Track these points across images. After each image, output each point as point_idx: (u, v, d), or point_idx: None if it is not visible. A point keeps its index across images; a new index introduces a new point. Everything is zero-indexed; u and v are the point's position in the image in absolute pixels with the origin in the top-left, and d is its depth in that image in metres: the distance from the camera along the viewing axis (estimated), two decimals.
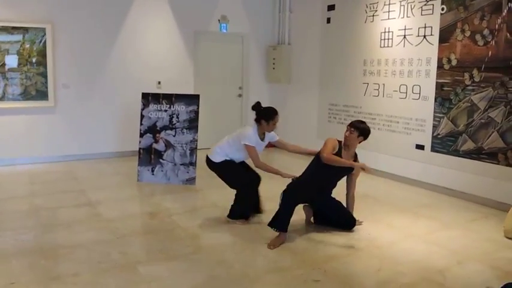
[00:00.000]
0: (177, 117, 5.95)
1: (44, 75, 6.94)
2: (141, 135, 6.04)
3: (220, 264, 3.54)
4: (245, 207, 4.49)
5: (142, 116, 6.06)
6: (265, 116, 4.36)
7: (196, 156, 5.86)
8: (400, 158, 6.17)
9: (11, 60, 6.71)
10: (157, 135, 5.98)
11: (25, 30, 6.72)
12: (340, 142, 4.18)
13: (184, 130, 5.93)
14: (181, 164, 5.88)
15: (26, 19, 6.73)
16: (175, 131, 5.94)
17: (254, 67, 8.69)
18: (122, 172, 6.56)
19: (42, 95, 6.97)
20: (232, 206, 4.49)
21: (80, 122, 7.31)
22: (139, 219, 4.75)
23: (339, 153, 4.13)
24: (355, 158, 4.28)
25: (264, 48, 8.68)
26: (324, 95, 7.48)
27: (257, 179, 4.52)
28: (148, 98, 6.10)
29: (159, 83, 7.76)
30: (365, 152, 6.53)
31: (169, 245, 3.91)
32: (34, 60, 6.85)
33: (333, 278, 3.34)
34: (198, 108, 5.96)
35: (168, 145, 5.94)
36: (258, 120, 4.39)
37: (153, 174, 5.95)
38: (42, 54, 6.88)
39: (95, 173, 6.57)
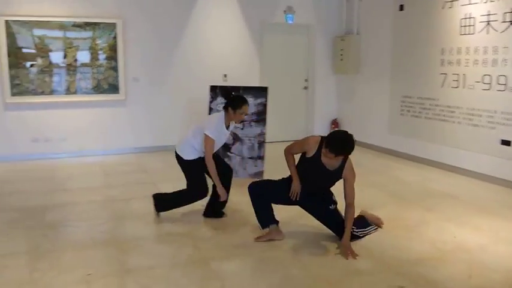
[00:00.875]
0: None
1: (115, 69, 7.11)
2: None
3: (295, 264, 3.39)
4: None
5: (210, 109, 6.03)
6: (232, 103, 4.13)
7: (264, 149, 5.74)
8: (483, 154, 5.70)
9: (84, 56, 6.93)
10: None
11: (96, 25, 6.91)
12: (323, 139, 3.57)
13: (252, 123, 5.82)
14: (249, 158, 5.78)
15: (98, 15, 6.90)
16: (243, 124, 5.84)
17: (320, 58, 8.44)
18: None
19: (114, 88, 7.15)
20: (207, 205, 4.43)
21: (149, 115, 7.44)
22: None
23: (317, 154, 3.57)
24: (344, 160, 3.60)
25: (330, 39, 8.39)
26: (396, 86, 7.10)
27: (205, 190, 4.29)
28: (216, 91, 6.05)
29: (225, 75, 7.72)
30: (445, 147, 6.17)
31: (241, 241, 3.82)
32: (106, 55, 7.04)
33: (419, 284, 3.08)
34: (266, 100, 5.83)
35: (236, 138, 5.86)
36: (225, 108, 4.19)
37: None
38: (114, 49, 7.05)
39: (165, 166, 6.62)
